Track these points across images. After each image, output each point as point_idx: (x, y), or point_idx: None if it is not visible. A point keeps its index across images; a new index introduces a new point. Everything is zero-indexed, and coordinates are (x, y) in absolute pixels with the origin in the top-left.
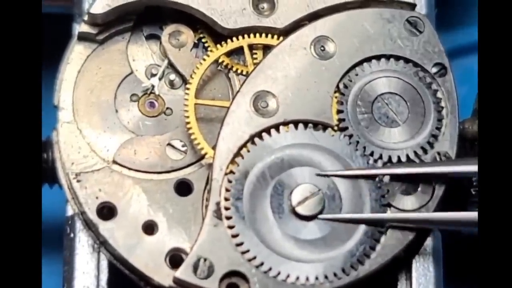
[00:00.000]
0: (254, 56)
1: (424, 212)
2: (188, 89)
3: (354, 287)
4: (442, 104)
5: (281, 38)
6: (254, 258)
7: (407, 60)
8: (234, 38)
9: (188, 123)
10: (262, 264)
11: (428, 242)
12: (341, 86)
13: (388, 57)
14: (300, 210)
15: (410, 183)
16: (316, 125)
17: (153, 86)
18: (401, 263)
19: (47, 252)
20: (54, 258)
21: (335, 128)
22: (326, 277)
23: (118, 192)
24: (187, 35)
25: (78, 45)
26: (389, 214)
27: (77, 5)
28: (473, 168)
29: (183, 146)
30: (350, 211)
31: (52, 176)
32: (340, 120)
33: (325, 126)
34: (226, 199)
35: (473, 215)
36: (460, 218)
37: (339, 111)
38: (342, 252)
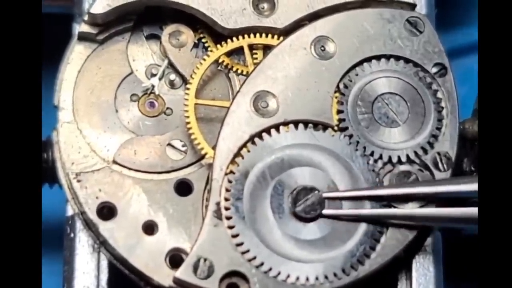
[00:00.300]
0: (254, 56)
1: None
2: (188, 89)
3: (354, 287)
4: (442, 104)
5: (281, 38)
6: (254, 258)
7: (407, 60)
8: (234, 38)
9: (188, 123)
10: (262, 264)
11: (428, 242)
12: (341, 86)
13: (388, 57)
14: (300, 211)
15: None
16: (316, 125)
17: (153, 86)
18: (401, 263)
19: (47, 252)
20: (54, 258)
21: (335, 128)
22: (326, 277)
23: (118, 192)
24: (187, 35)
25: (78, 45)
26: (391, 210)
27: (77, 5)
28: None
29: (183, 146)
30: None
31: (52, 176)
32: (340, 120)
33: (325, 126)
34: (226, 199)
35: (474, 210)
36: (461, 214)
37: (339, 111)
38: (342, 252)
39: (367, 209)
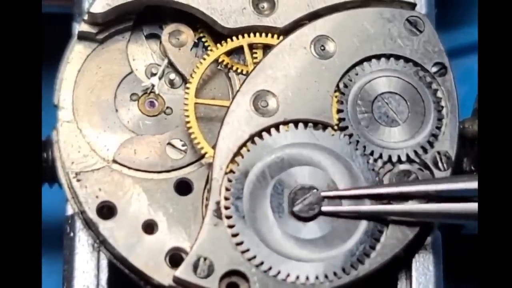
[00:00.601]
0: (254, 55)
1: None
2: (188, 88)
3: (354, 287)
4: (442, 103)
5: (281, 37)
6: (254, 257)
7: (407, 60)
8: (234, 38)
9: (188, 122)
10: (262, 263)
11: (428, 241)
12: (341, 85)
13: (388, 56)
14: (299, 211)
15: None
16: (316, 124)
17: (153, 86)
18: (401, 263)
19: (47, 251)
20: (54, 257)
21: (335, 127)
22: (326, 276)
23: (118, 191)
24: (187, 35)
25: (78, 44)
26: (390, 206)
27: (77, 5)
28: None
29: (183, 145)
30: None
31: (52, 175)
32: (340, 120)
33: (325, 126)
34: (226, 199)
35: (473, 206)
36: (461, 210)
37: (339, 111)
38: (342, 251)
39: (366, 206)
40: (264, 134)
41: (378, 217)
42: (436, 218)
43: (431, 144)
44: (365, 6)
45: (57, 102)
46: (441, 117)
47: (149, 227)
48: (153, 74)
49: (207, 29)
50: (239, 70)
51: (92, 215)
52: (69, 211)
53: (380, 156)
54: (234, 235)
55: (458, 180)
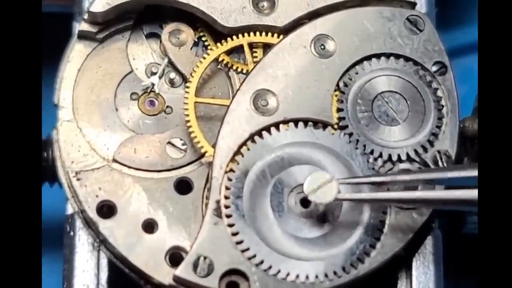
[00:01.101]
0: (254, 54)
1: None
2: (188, 87)
3: (354, 286)
4: (442, 102)
5: (281, 36)
6: (254, 256)
7: (407, 59)
8: (234, 37)
9: (188, 121)
10: (262, 262)
11: (429, 240)
12: (341, 84)
13: (388, 55)
14: (314, 198)
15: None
16: (316, 123)
17: (153, 85)
18: (401, 262)
19: (47, 250)
20: (54, 256)
21: (335, 126)
22: (326, 275)
23: (118, 191)
24: (187, 34)
25: (78, 43)
26: (392, 193)
27: (77, 4)
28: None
29: (183, 144)
30: (350, 208)
31: (52, 174)
32: (340, 119)
33: (325, 125)
34: (226, 197)
35: (473, 193)
36: (462, 196)
37: (339, 110)
38: (342, 250)
39: (380, 193)
40: (264, 133)
41: (392, 204)
42: (448, 205)
43: (431, 143)
44: (365, 5)
45: (57, 101)
46: (441, 116)
47: (149, 226)
48: (153, 73)
49: (207, 28)
50: (239, 69)
51: (92, 214)
52: (69, 210)
53: (380, 155)
54: (234, 234)
55: (461, 168)
